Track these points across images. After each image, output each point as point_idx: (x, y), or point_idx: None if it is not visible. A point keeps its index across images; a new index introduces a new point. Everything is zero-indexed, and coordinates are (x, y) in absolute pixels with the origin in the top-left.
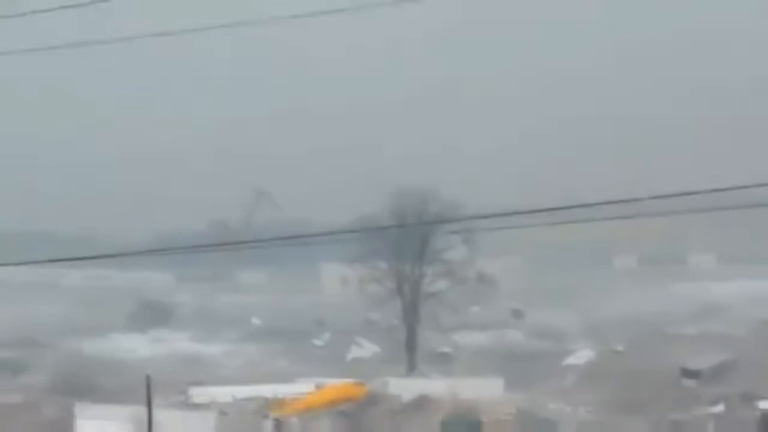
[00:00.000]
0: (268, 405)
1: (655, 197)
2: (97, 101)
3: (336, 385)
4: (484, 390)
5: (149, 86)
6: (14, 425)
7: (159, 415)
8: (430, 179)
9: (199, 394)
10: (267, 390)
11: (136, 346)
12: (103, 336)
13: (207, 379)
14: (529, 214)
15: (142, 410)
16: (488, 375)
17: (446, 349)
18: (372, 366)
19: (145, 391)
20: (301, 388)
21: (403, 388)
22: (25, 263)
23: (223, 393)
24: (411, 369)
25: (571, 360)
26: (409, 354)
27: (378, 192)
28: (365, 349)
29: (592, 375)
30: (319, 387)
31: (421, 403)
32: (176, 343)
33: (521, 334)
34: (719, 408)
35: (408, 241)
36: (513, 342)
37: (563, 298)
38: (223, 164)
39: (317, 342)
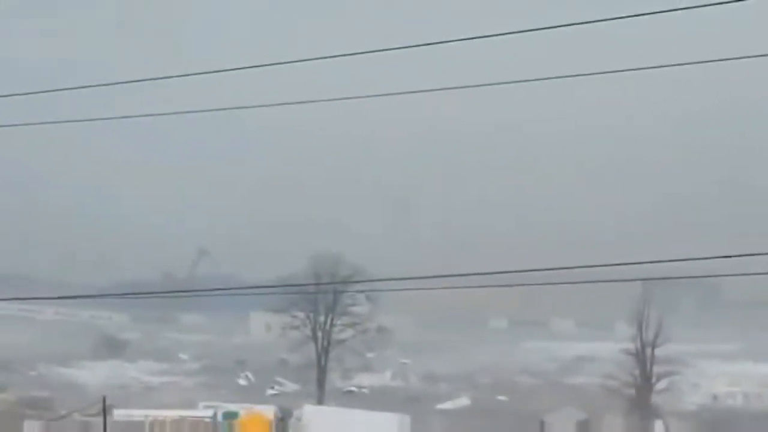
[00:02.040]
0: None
1: (520, 271)
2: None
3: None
4: (382, 423)
5: None
6: None
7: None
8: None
9: (120, 414)
10: (173, 414)
11: (94, 373)
12: (67, 363)
13: (144, 401)
14: (420, 279)
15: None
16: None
17: (351, 388)
18: (287, 399)
19: (101, 408)
20: (203, 413)
21: (317, 414)
22: (8, 299)
23: (138, 414)
24: (321, 400)
25: (447, 404)
26: (320, 390)
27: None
28: (283, 385)
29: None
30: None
31: None
32: (126, 371)
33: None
34: None
35: (322, 296)
36: (401, 386)
37: (445, 349)
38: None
39: (241, 380)
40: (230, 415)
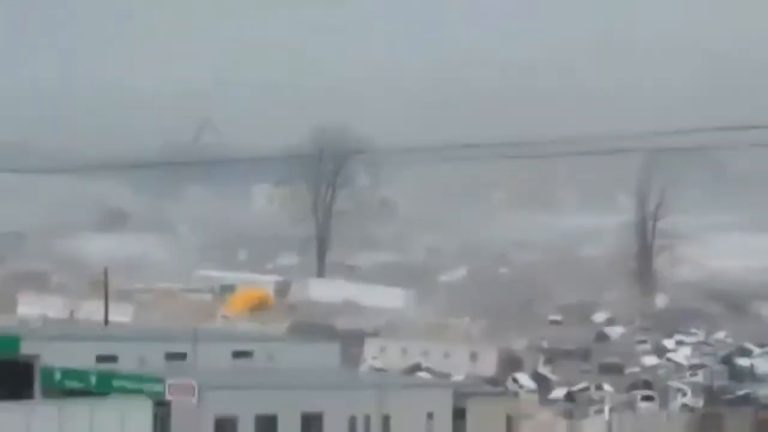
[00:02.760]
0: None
1: (525, 143)
2: None
3: (248, 292)
4: (388, 297)
5: None
6: None
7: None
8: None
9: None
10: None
11: (96, 245)
12: (68, 236)
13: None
14: (424, 151)
15: (73, 302)
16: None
17: (353, 265)
18: (287, 272)
19: (103, 281)
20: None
21: (321, 288)
22: (7, 170)
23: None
24: (321, 274)
25: (448, 277)
26: (320, 261)
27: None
28: (284, 258)
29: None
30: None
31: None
32: (129, 243)
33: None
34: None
35: (323, 168)
36: (405, 259)
37: (448, 223)
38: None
39: (241, 256)
40: (227, 288)
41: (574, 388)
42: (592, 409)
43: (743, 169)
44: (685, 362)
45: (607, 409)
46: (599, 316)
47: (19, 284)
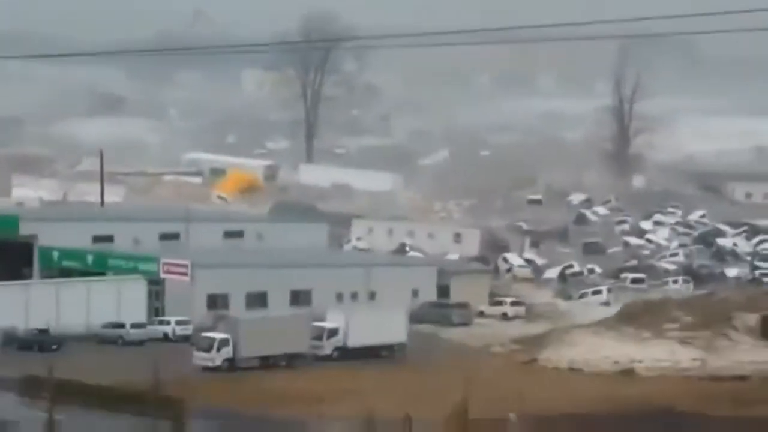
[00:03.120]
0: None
1: (506, 28)
2: None
3: (239, 175)
4: (376, 181)
5: None
6: None
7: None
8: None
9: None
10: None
11: (91, 129)
12: (64, 120)
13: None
14: (408, 36)
15: (67, 184)
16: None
17: (340, 150)
18: (276, 156)
19: (99, 163)
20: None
21: (310, 172)
22: (6, 57)
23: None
24: (309, 157)
25: (428, 160)
26: (308, 145)
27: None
28: (274, 141)
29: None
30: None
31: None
32: (123, 127)
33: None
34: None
35: (313, 54)
36: (389, 143)
37: (431, 107)
38: None
39: (230, 140)
40: (217, 172)
41: (568, 271)
42: (589, 290)
43: (719, 55)
44: (664, 242)
45: (605, 289)
46: (577, 197)
47: (15, 167)
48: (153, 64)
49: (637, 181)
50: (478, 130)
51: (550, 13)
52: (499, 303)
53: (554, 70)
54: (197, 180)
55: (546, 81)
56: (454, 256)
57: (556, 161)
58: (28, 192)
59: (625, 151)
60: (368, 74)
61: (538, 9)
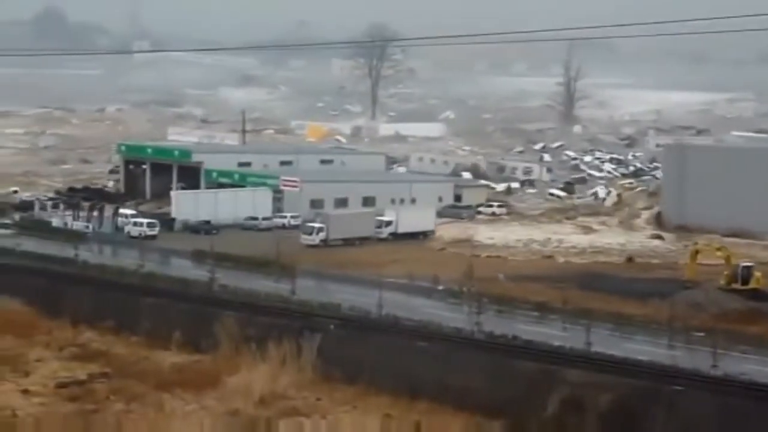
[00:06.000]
0: None
1: (494, 33)
2: None
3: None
4: (430, 130)
5: None
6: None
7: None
8: None
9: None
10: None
11: (235, 96)
12: (218, 89)
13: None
14: (435, 38)
15: (214, 133)
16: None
17: (392, 113)
18: (350, 116)
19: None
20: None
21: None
22: (182, 50)
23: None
24: (374, 117)
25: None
26: (373, 108)
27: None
28: (351, 106)
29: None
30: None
31: None
32: (253, 96)
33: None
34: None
35: (375, 50)
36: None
37: (448, 81)
38: None
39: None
40: (309, 127)
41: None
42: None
43: (630, 50)
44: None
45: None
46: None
47: (176, 122)
48: (273, 55)
49: (576, 129)
50: (476, 99)
51: (525, 21)
52: (490, 206)
53: (526, 60)
54: (300, 132)
55: (520, 67)
56: (467, 175)
57: (527, 119)
58: (180, 137)
59: (570, 112)
60: (409, 62)
61: (517, 18)
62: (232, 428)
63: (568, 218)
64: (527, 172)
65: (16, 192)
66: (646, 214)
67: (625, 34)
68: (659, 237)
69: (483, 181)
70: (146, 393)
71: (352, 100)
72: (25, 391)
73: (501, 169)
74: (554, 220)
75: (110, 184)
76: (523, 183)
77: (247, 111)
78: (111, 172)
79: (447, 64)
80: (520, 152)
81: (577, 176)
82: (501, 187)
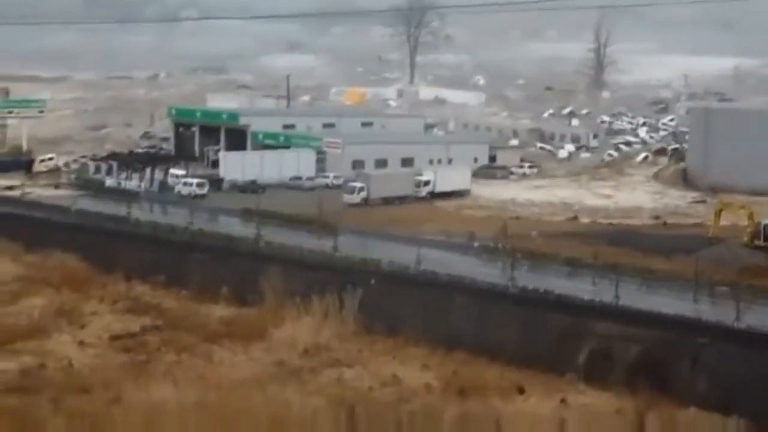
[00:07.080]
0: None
1: (527, 1)
2: None
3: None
4: (466, 97)
5: None
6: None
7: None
8: None
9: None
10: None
11: (281, 62)
12: (263, 57)
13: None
14: (471, 6)
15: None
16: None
17: (430, 77)
18: (387, 81)
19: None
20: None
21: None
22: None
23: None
24: (412, 82)
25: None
26: (411, 73)
27: None
28: (390, 72)
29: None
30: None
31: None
32: (298, 61)
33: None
34: None
35: (413, 16)
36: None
37: (481, 50)
38: None
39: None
40: (341, 92)
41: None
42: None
43: (658, 17)
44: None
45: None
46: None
47: (222, 88)
48: (316, 23)
49: (605, 95)
50: (509, 67)
51: None
52: (522, 167)
53: (557, 27)
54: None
55: (552, 34)
56: (514, 142)
57: (557, 83)
58: (220, 103)
59: (600, 77)
60: (447, 29)
61: None
62: (279, 377)
63: (604, 179)
64: (575, 139)
65: (51, 159)
66: (674, 175)
67: (657, 2)
68: (703, 201)
69: (548, 147)
70: (196, 344)
71: (391, 66)
72: (81, 343)
73: (551, 136)
74: (596, 178)
75: (143, 145)
76: (578, 148)
77: (291, 77)
78: (143, 136)
79: (482, 32)
80: (551, 115)
81: (619, 141)
82: (563, 153)
